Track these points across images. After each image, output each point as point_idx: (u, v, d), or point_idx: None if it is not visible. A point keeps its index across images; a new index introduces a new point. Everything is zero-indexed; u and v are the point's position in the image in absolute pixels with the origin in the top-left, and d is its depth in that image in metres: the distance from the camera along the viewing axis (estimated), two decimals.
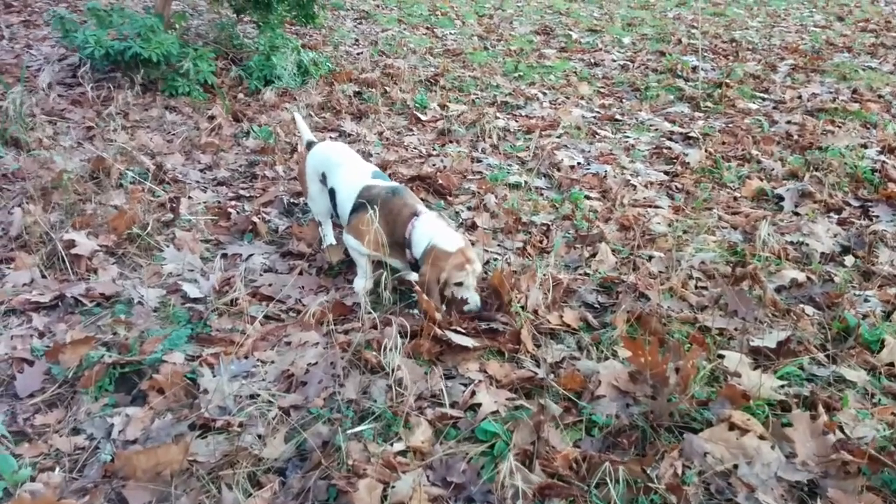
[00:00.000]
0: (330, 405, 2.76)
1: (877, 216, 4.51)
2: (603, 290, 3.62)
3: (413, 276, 3.57)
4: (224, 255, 3.95)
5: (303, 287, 3.64)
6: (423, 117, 6.22)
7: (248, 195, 4.72)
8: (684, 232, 4.24)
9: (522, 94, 7.01)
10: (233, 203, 4.55)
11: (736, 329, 3.23)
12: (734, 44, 8.90)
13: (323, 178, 3.86)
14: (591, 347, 3.09)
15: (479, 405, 2.71)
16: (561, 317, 3.29)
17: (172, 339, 2.99)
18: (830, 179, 4.91)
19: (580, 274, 3.76)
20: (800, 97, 6.91)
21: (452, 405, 2.75)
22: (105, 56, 6.20)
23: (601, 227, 4.21)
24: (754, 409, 2.68)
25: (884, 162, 5.19)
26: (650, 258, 3.89)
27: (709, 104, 6.82)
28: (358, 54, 8.24)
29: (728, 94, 6.97)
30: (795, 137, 5.81)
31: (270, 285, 3.62)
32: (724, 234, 4.29)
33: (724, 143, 5.77)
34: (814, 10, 11.36)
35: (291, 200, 4.62)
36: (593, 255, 3.90)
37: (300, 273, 3.76)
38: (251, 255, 3.95)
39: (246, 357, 3.03)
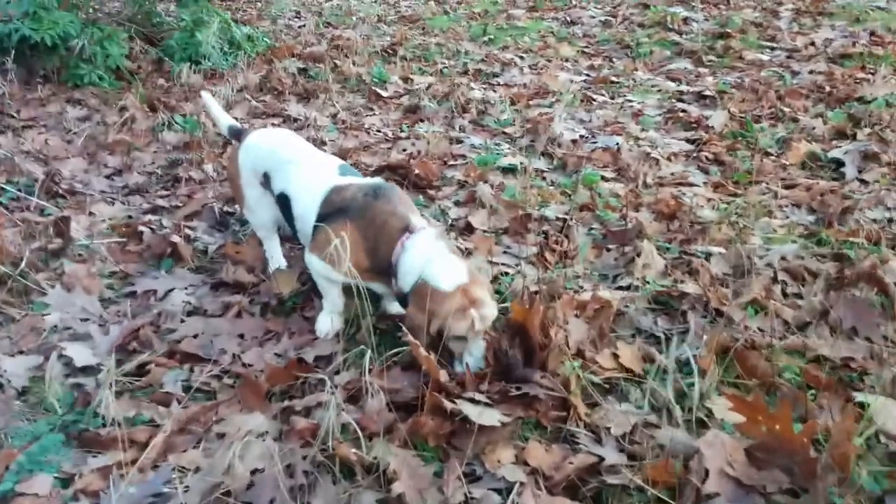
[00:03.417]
0: None
1: None
2: (659, 307, 2.64)
3: (398, 308, 2.55)
4: (132, 294, 2.87)
5: (242, 335, 2.58)
6: (383, 93, 5.15)
7: (167, 205, 3.62)
8: (738, 215, 3.27)
9: (497, 59, 5.96)
10: (147, 218, 3.45)
11: (864, 358, 2.27)
12: None
13: (266, 180, 2.80)
14: (671, 405, 2.09)
15: None
16: (616, 357, 2.30)
17: (34, 451, 1.92)
18: (890, 137, 4.00)
19: (621, 287, 2.77)
20: (813, 44, 6.00)
21: None
22: None
23: (634, 217, 3.22)
24: None
25: None
26: (708, 256, 2.92)
27: (712, 57, 5.88)
28: (300, 27, 7.12)
29: (732, 46, 6.03)
30: (827, 89, 4.88)
31: (196, 336, 2.56)
32: (788, 213, 3.34)
33: (744, 100, 4.83)
34: None
35: (225, 209, 3.53)
36: (633, 259, 2.91)
37: (238, 314, 2.69)
38: (170, 290, 2.87)
39: (156, 466, 1.98)
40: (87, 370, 2.39)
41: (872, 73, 5.11)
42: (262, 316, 2.70)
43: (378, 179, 2.63)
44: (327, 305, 2.56)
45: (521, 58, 6.10)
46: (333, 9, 7.89)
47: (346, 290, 2.50)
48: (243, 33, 6.11)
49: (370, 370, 2.13)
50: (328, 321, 2.55)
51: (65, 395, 2.28)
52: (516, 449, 1.98)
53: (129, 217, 3.53)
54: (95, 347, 2.50)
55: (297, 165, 2.68)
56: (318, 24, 7.12)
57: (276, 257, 2.99)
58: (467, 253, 3.00)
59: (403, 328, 2.21)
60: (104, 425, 2.13)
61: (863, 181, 3.65)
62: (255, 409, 2.16)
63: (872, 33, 6.15)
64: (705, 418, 2.03)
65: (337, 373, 2.30)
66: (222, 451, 1.97)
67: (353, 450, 1.91)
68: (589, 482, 1.88)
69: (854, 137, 4.09)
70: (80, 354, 2.43)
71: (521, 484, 1.85)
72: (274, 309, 2.74)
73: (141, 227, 3.29)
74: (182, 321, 2.67)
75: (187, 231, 3.29)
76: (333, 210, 2.40)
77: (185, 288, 2.90)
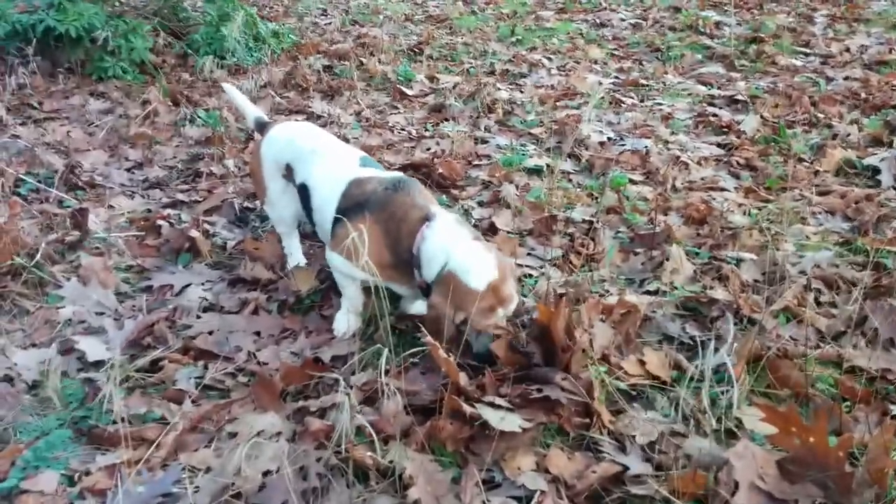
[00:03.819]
0: None
1: None
2: (687, 313, 2.55)
3: (418, 308, 2.49)
4: (148, 289, 2.84)
5: (259, 333, 2.53)
6: (408, 92, 5.09)
7: (187, 200, 3.59)
8: (770, 221, 3.17)
9: (524, 60, 5.88)
10: (167, 212, 3.42)
11: None
12: None
13: (287, 172, 2.75)
14: (703, 414, 2.00)
15: None
16: (642, 363, 2.22)
17: (41, 448, 1.87)
18: None
19: (648, 291, 2.68)
20: (848, 50, 5.86)
21: None
22: (12, 33, 5.03)
23: (663, 220, 3.13)
24: None
25: None
26: (738, 262, 2.82)
27: (744, 62, 5.74)
28: (327, 24, 7.09)
29: (765, 50, 5.90)
30: (863, 96, 4.75)
31: (212, 333, 2.51)
32: (821, 220, 3.23)
33: (777, 105, 4.70)
34: None
35: (245, 205, 3.50)
36: (661, 263, 2.82)
37: (255, 311, 2.64)
38: (187, 285, 2.83)
39: (166, 465, 1.92)
40: (99, 365, 2.34)
41: None
42: (280, 313, 2.65)
43: (399, 173, 2.57)
44: (346, 304, 2.50)
45: (549, 59, 6.02)
46: (360, 7, 7.87)
47: (366, 289, 2.43)
48: (269, 29, 6.10)
49: (387, 371, 2.06)
50: (346, 320, 2.49)
51: (76, 389, 2.24)
52: (537, 456, 1.90)
53: (149, 211, 3.50)
54: (109, 342, 2.46)
55: (320, 156, 2.63)
56: (344, 22, 7.10)
57: (295, 254, 2.94)
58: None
59: (422, 329, 2.15)
60: (113, 422, 2.08)
61: None
62: (269, 409, 2.10)
63: None
64: (735, 429, 1.95)
65: (353, 373, 2.24)
66: (234, 452, 1.91)
67: (369, 453, 1.85)
68: (612, 492, 1.80)
69: (890, 145, 3.96)
70: (94, 349, 2.39)
71: (542, 492, 1.78)
72: (291, 307, 2.68)
73: (159, 221, 3.26)
74: (198, 317, 2.62)
75: (206, 226, 3.26)
76: (353, 204, 2.34)
77: (202, 283, 2.85)
